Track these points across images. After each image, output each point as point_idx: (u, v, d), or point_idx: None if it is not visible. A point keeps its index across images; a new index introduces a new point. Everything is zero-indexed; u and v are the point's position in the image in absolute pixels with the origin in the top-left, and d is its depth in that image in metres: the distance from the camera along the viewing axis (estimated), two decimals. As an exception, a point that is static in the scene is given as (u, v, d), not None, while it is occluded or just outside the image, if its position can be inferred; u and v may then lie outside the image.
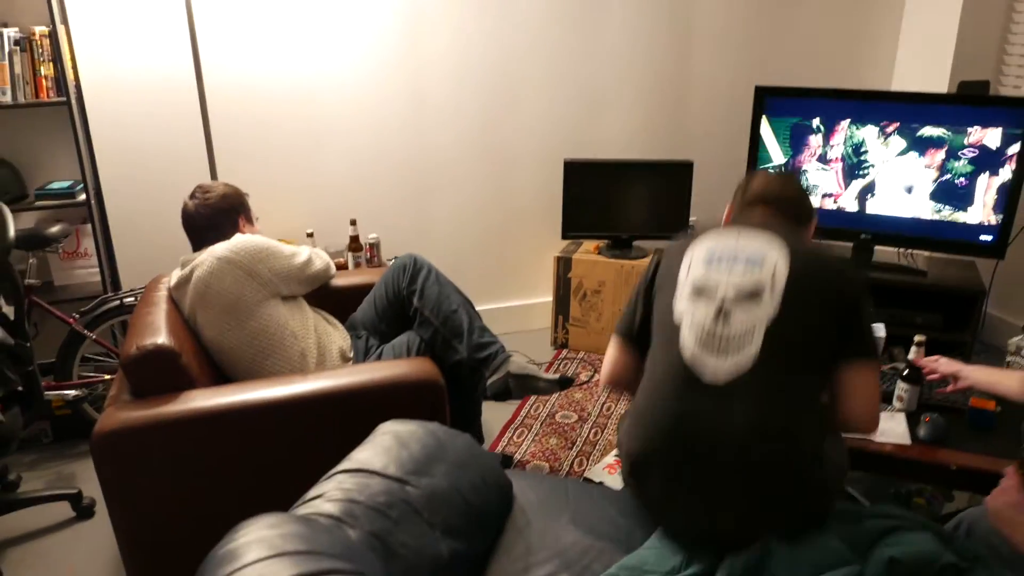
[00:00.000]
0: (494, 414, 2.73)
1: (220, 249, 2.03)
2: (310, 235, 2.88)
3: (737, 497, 1.36)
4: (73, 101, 2.65)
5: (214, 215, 2.14)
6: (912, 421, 1.99)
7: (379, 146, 3.17)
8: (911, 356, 2.01)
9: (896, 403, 2.04)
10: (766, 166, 3.22)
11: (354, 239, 2.96)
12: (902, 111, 3.00)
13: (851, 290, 1.45)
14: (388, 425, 1.62)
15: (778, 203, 1.63)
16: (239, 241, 2.05)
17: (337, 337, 2.20)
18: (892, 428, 1.97)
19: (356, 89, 3.06)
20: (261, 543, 1.03)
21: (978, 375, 1.87)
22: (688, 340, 1.42)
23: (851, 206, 3.17)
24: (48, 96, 2.64)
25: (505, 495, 1.65)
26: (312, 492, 1.38)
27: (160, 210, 2.87)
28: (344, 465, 1.47)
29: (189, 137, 2.87)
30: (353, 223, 2.97)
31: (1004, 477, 1.54)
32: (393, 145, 3.19)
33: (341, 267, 2.89)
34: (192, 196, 2.16)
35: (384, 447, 1.53)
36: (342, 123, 3.08)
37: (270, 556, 0.99)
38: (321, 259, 2.26)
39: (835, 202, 3.20)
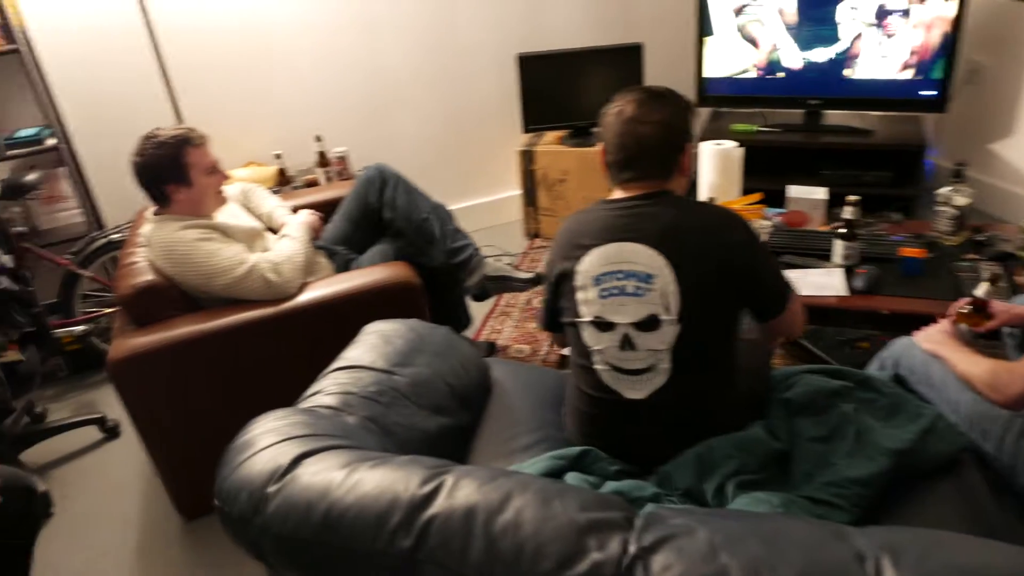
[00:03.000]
0: (475, 305, 2.91)
1: (153, 247, 2.03)
2: (278, 156, 2.97)
3: (667, 449, 1.50)
4: (23, 48, 2.67)
5: (142, 180, 2.04)
6: (849, 274, 2.19)
7: (335, 62, 3.20)
8: (845, 215, 2.18)
9: (835, 259, 2.23)
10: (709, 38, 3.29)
11: (321, 155, 3.05)
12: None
13: (745, 262, 1.47)
14: (373, 326, 1.80)
15: (642, 169, 1.49)
16: (164, 245, 2.00)
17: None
18: (831, 282, 2.17)
19: (304, 9, 3.07)
20: (271, 432, 1.22)
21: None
22: (602, 365, 1.49)
23: (798, 73, 3.26)
24: (-1, 45, 2.66)
25: (484, 377, 1.85)
26: (311, 389, 1.57)
27: (130, 145, 2.93)
28: (337, 364, 1.65)
29: (145, 72, 2.90)
30: (318, 139, 3.06)
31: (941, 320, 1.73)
32: (348, 59, 3.22)
33: (312, 183, 3.00)
34: (134, 151, 2.05)
35: (371, 344, 1.71)
36: (296, 44, 3.11)
37: (280, 441, 1.18)
38: (258, 279, 1.99)
39: (783, 69, 3.28)
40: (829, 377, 1.63)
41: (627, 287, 1.45)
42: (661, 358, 1.45)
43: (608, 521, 0.93)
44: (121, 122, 2.91)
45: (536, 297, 3.10)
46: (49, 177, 2.93)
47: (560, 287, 1.57)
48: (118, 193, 2.97)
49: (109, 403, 2.65)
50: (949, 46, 2.99)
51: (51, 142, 2.81)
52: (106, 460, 2.46)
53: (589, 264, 1.49)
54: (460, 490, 0.97)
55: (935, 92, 3.11)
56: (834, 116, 3.40)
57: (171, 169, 2.02)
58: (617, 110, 1.51)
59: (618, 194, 1.54)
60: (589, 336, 1.51)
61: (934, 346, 1.65)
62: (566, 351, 2.20)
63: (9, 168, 2.88)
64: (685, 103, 1.55)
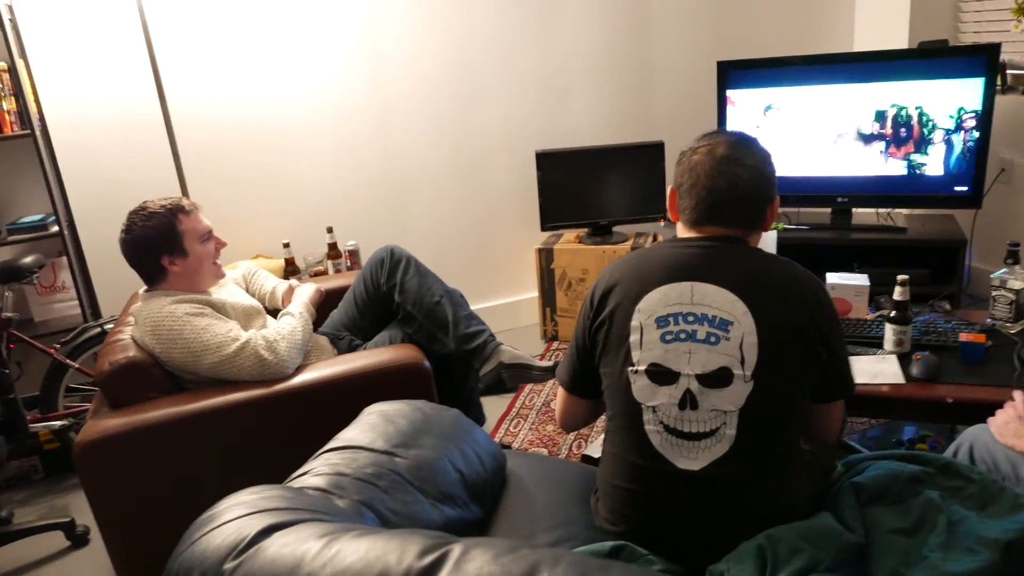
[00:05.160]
0: (489, 407, 2.70)
1: (139, 324, 1.88)
2: (286, 245, 2.86)
3: (720, 539, 1.26)
4: (38, 134, 2.64)
5: (134, 255, 1.92)
6: (903, 361, 1.98)
7: (348, 155, 3.16)
8: (896, 296, 2.00)
9: (887, 346, 2.03)
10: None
11: (332, 246, 2.94)
12: (868, 71, 3.02)
13: (828, 326, 1.30)
14: (374, 406, 1.60)
15: (730, 214, 1.35)
16: (151, 320, 1.85)
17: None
18: (884, 369, 1.95)
19: (320, 102, 3.06)
20: (241, 505, 1.01)
21: None
22: (654, 426, 1.28)
23: (825, 171, 3.18)
24: (12, 130, 2.63)
25: (499, 467, 1.62)
26: (300, 471, 1.36)
27: (135, 236, 2.86)
28: (331, 444, 1.44)
29: (158, 162, 2.86)
30: (330, 231, 2.96)
31: (1008, 402, 1.52)
32: (362, 153, 3.18)
33: (320, 274, 2.87)
34: (123, 227, 1.93)
35: (370, 424, 1.50)
36: (309, 136, 3.08)
37: (248, 513, 0.96)
38: (251, 357, 1.81)
39: (809, 169, 3.20)
40: (902, 460, 1.40)
41: (698, 332, 1.25)
42: (727, 421, 1.24)
43: (667, 604, 0.70)
44: (126, 210, 2.83)
45: (555, 399, 2.88)
46: (49, 267, 2.83)
47: (606, 330, 1.35)
48: (118, 284, 2.85)
49: (83, 508, 2.40)
50: (978, 141, 2.91)
51: (54, 229, 2.72)
52: (68, 571, 2.18)
53: (652, 302, 1.30)
54: (470, 562, 0.75)
55: (967, 188, 3.00)
56: (863, 214, 3.29)
57: (164, 240, 1.91)
58: (706, 148, 1.37)
59: (690, 234, 1.39)
60: (641, 390, 1.29)
61: (1014, 440, 1.43)
62: (592, 450, 1.94)
63: (10, 254, 2.78)
64: (769, 153, 1.41)
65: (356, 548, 0.80)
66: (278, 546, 0.84)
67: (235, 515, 0.97)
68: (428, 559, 0.76)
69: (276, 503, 1.01)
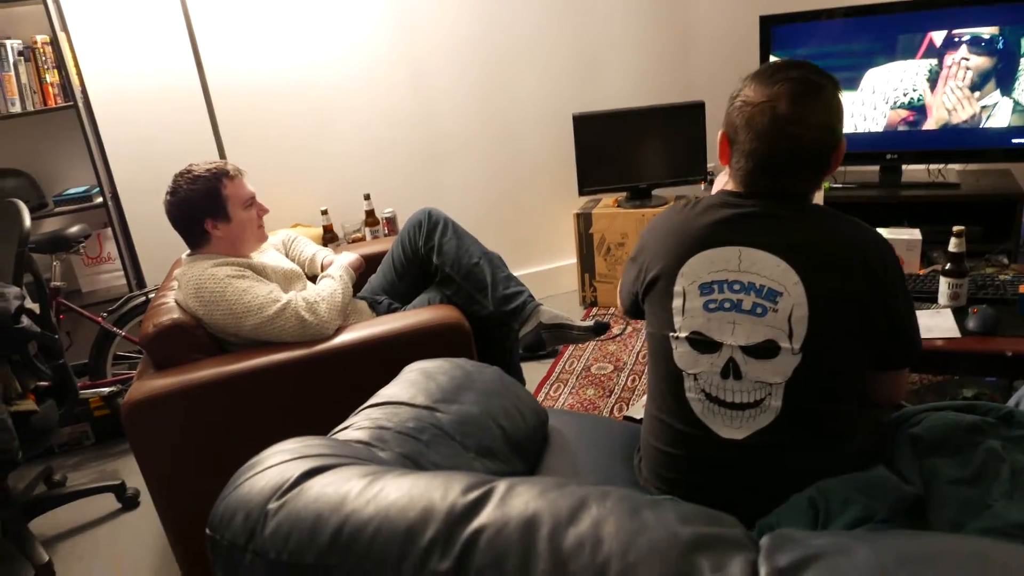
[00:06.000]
0: (529, 372, 2.68)
1: (182, 287, 1.88)
2: (324, 212, 2.86)
3: (767, 506, 1.20)
4: (80, 105, 2.67)
5: (178, 217, 1.92)
6: (958, 315, 1.90)
7: (384, 122, 3.15)
8: (952, 248, 1.92)
9: (942, 299, 1.96)
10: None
11: (369, 213, 2.94)
12: (917, 20, 2.89)
13: (892, 295, 1.22)
14: (415, 364, 1.58)
15: (790, 178, 1.24)
16: (193, 282, 1.85)
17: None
18: (939, 323, 1.89)
19: (355, 69, 3.05)
20: (284, 452, 1.00)
21: None
22: (695, 394, 1.24)
23: (874, 127, 3.07)
24: (55, 102, 2.67)
25: (541, 424, 1.60)
26: (341, 425, 1.35)
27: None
28: (372, 400, 1.44)
29: (197, 131, 2.87)
30: (367, 197, 2.96)
31: None
32: (398, 120, 3.17)
33: (358, 240, 2.87)
34: (168, 189, 1.94)
35: (411, 381, 1.49)
36: (345, 103, 3.07)
37: (292, 459, 0.96)
38: (292, 318, 1.81)
39: (857, 126, 3.10)
40: (959, 411, 1.34)
41: (743, 302, 1.19)
42: (772, 393, 1.19)
43: (721, 537, 0.67)
44: (168, 179, 2.86)
45: (596, 363, 2.85)
46: (95, 238, 2.87)
47: (649, 290, 1.32)
48: (162, 254, 2.89)
49: (132, 473, 2.45)
50: (1039, 90, 2.77)
51: (99, 200, 2.76)
52: (119, 532, 2.24)
53: (696, 267, 1.24)
54: (516, 497, 0.73)
55: (1026, 140, 2.86)
56: (913, 172, 3.17)
57: (208, 204, 1.91)
58: (768, 105, 1.20)
59: (743, 189, 1.29)
60: (682, 356, 1.25)
61: None
62: (634, 411, 1.93)
63: (56, 224, 2.84)
64: (837, 83, 1.27)
65: (399, 486, 0.79)
66: (321, 486, 0.83)
67: (278, 460, 0.96)
68: (473, 495, 0.74)
69: (319, 450, 1.01)
